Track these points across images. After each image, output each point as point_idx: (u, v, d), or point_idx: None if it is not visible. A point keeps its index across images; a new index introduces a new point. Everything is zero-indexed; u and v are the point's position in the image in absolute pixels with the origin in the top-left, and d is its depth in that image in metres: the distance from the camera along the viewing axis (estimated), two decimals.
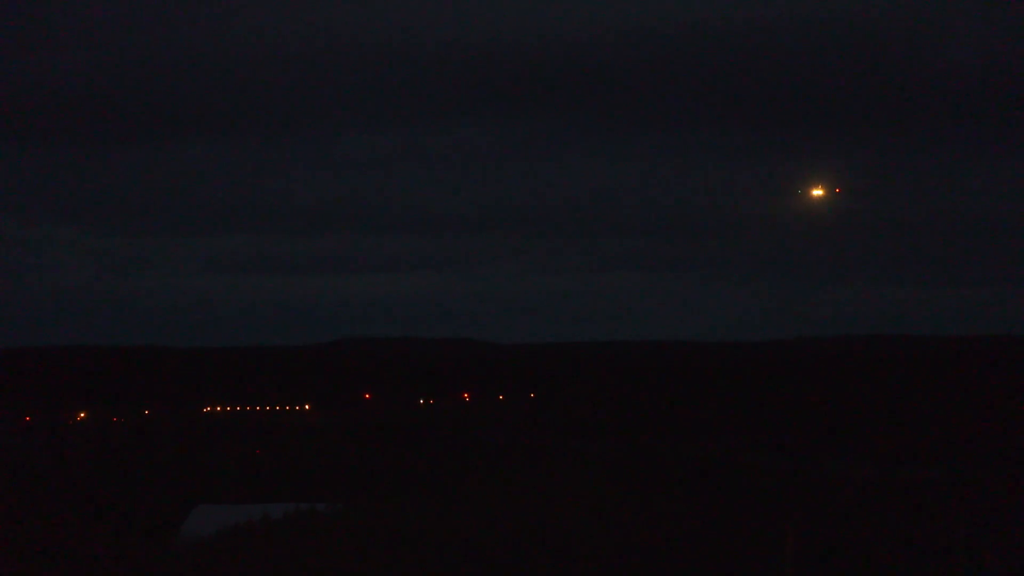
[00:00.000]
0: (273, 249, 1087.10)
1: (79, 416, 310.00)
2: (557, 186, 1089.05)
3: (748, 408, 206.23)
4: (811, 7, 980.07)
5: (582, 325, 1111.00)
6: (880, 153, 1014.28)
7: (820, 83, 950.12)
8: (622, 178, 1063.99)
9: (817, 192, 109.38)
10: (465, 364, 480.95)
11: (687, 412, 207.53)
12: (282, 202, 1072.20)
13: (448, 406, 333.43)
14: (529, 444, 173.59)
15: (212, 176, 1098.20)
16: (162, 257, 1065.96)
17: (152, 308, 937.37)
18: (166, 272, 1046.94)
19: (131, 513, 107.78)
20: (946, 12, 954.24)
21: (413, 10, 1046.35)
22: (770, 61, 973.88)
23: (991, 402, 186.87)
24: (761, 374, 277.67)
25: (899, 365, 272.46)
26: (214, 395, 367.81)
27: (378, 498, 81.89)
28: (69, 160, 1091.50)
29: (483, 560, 54.43)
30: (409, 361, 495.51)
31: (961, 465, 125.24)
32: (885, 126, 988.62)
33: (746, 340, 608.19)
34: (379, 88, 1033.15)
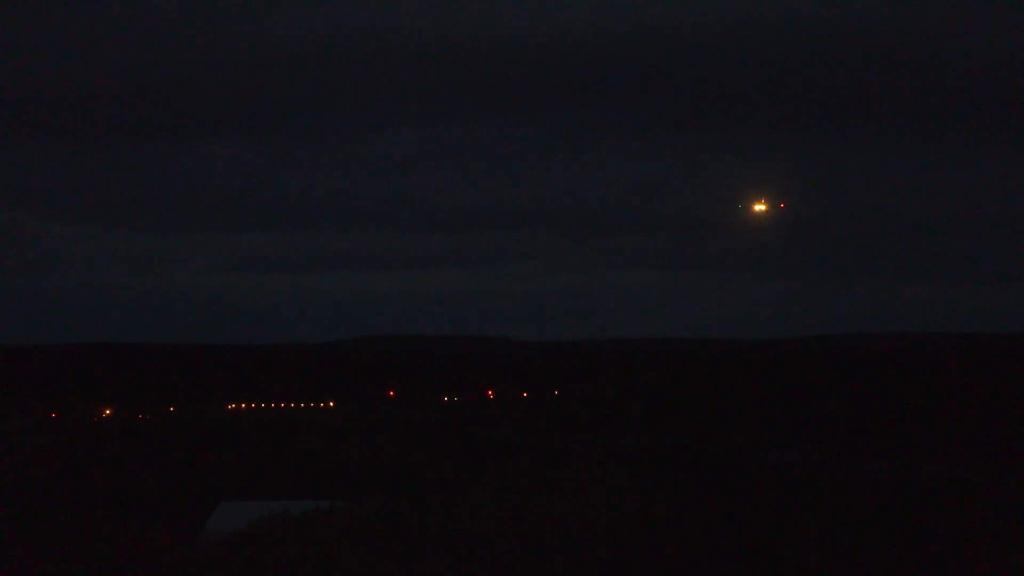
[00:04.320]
0: (297, 247, 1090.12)
1: (105, 413, 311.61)
2: (579, 185, 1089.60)
3: (768, 405, 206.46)
4: (831, 6, 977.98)
5: (604, 322, 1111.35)
6: (900, 151, 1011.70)
7: (839, 82, 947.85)
8: (643, 176, 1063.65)
9: (759, 207, 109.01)
10: (489, 361, 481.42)
11: (707, 409, 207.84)
12: (306, 200, 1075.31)
13: (472, 403, 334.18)
14: (551, 441, 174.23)
15: (236, 175, 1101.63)
16: (186, 255, 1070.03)
17: (177, 305, 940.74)
18: (191, 269, 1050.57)
19: (157, 510, 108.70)
20: (957, 7, 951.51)
21: (437, 8, 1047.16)
22: (788, 60, 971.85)
23: (1016, 400, 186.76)
24: (781, 371, 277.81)
25: (921, 362, 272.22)
26: (238, 392, 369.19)
27: (399, 495, 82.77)
28: (94, 158, 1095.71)
29: (502, 558, 55.22)
30: (433, 358, 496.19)
31: (985, 463, 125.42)
32: (906, 123, 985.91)
33: (766, 337, 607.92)
34: (401, 87, 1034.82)
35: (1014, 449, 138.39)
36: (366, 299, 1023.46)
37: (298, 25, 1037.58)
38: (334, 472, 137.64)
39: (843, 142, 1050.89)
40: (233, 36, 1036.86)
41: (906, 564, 62.95)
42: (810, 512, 76.30)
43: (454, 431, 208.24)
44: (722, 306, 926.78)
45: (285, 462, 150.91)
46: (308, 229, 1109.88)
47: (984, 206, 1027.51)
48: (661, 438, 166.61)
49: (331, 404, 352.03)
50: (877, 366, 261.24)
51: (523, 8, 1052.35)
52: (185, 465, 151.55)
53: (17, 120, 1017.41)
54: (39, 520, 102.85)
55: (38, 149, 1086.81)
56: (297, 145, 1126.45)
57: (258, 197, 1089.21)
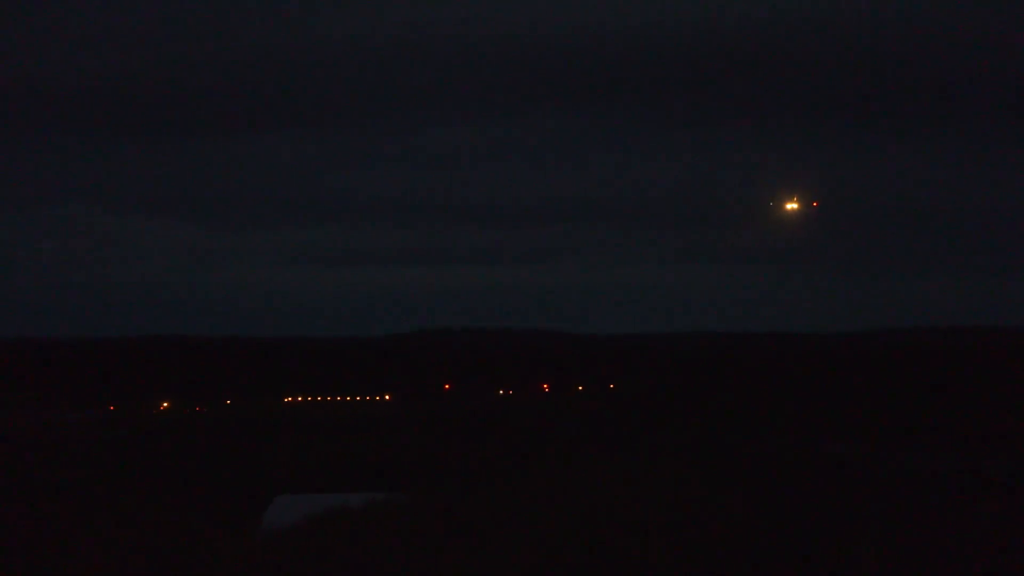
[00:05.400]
0: (354, 241, 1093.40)
1: (162, 406, 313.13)
2: (634, 178, 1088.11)
3: (827, 399, 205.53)
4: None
5: (662, 316, 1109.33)
6: (957, 143, 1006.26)
7: (886, 72, 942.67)
8: (700, 169, 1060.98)
9: (791, 206, 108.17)
10: (544, 354, 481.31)
11: (766, 403, 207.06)
12: (363, 194, 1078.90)
13: (527, 396, 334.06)
14: (606, 435, 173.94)
15: (295, 168, 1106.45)
16: (245, 248, 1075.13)
17: (235, 299, 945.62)
18: (249, 263, 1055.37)
19: (213, 503, 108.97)
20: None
21: (491, 2, 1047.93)
22: (844, 55, 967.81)
23: None
24: (837, 364, 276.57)
25: (980, 356, 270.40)
26: (295, 385, 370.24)
27: (456, 488, 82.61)
28: (153, 152, 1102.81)
29: (560, 550, 54.95)
30: (488, 352, 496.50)
31: None
32: (962, 115, 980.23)
33: (822, 331, 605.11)
34: (459, 81, 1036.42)
35: None
36: (423, 293, 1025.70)
37: (353, 21, 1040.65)
38: (390, 465, 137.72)
39: (903, 133, 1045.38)
40: (290, 32, 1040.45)
41: (963, 560, 62.27)
42: (869, 506, 75.59)
43: (509, 424, 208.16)
44: (778, 300, 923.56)
45: (341, 455, 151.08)
46: (365, 224, 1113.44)
47: None
48: (717, 431, 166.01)
49: (387, 397, 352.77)
50: (936, 359, 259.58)
51: (577, 4, 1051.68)
52: (242, 458, 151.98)
53: (85, 115, 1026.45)
54: (96, 513, 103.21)
55: (104, 144, 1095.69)
56: (354, 139, 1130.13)
57: (316, 192, 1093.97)
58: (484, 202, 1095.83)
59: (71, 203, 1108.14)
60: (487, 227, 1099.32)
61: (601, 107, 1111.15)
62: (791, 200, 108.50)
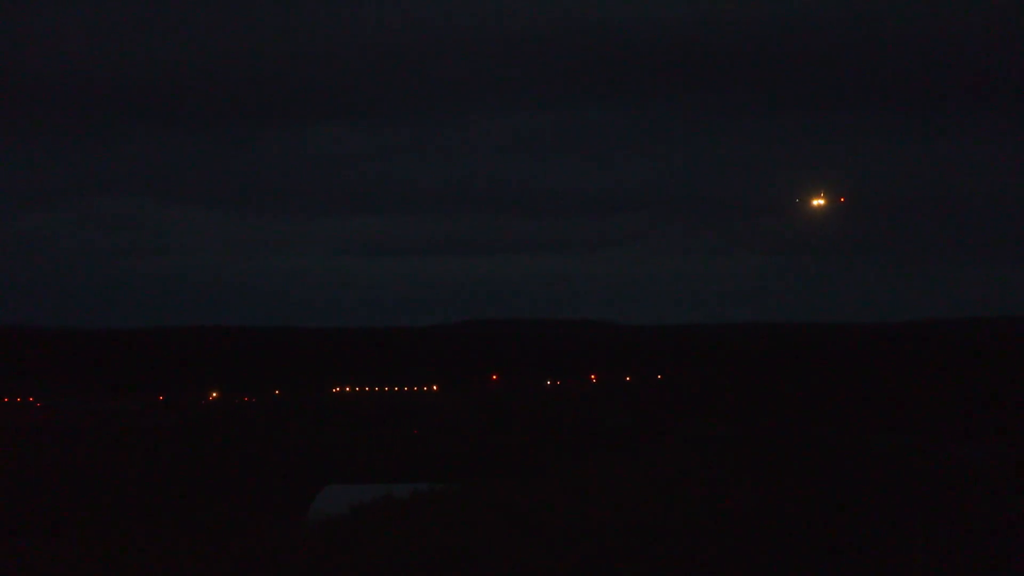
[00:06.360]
0: (403, 231, 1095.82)
1: (211, 396, 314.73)
2: (682, 169, 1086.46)
3: (877, 391, 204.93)
4: None
5: (710, 306, 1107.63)
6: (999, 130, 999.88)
7: (924, 62, 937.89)
8: (750, 160, 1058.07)
9: (818, 202, 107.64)
10: (592, 345, 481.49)
11: (815, 395, 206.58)
12: (412, 184, 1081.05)
13: (574, 387, 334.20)
14: (653, 426, 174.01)
15: (344, 159, 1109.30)
16: (294, 239, 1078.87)
17: (284, 289, 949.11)
18: (297, 253, 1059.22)
19: (261, 493, 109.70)
20: None
21: None
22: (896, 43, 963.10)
23: None
24: (891, 356, 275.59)
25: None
26: (343, 375, 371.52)
27: (503, 479, 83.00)
28: (204, 143, 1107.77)
29: (607, 541, 55.25)
30: (536, 342, 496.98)
31: None
32: (996, 103, 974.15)
33: (874, 321, 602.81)
34: (508, 72, 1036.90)
35: None
36: (472, 283, 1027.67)
37: (406, 14, 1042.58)
38: (437, 455, 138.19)
39: (954, 123, 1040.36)
40: (343, 25, 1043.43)
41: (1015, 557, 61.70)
42: (916, 498, 75.35)
43: (557, 415, 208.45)
44: (828, 291, 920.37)
45: (390, 445, 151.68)
46: (413, 214, 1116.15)
47: None
48: (765, 423, 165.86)
49: (435, 388, 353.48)
50: (988, 351, 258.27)
51: None
52: (291, 448, 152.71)
53: (136, 107, 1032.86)
54: (145, 501, 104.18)
55: (156, 136, 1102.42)
56: (402, 130, 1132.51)
57: (365, 182, 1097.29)
58: (532, 192, 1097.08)
59: (123, 195, 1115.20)
60: (534, 217, 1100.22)
61: (652, 99, 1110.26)
62: (817, 196, 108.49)
